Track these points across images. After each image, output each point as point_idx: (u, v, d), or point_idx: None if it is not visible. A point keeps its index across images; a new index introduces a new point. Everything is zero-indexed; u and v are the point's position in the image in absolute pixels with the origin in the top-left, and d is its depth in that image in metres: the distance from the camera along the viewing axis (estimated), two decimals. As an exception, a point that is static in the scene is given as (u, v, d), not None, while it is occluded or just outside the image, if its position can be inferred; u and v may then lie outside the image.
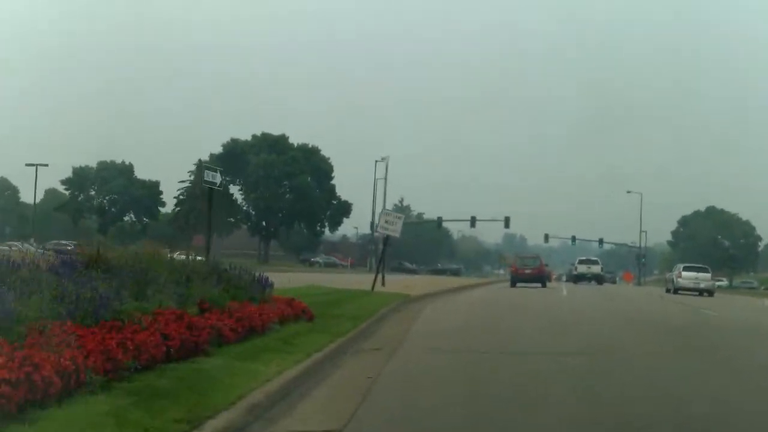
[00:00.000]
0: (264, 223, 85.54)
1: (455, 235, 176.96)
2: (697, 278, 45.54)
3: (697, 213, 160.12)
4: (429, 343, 13.21)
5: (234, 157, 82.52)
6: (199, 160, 76.06)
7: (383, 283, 32.15)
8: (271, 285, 13.56)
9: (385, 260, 34.23)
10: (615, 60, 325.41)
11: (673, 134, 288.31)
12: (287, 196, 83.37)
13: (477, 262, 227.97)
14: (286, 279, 37.64)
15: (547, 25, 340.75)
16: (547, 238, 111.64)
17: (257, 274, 13.47)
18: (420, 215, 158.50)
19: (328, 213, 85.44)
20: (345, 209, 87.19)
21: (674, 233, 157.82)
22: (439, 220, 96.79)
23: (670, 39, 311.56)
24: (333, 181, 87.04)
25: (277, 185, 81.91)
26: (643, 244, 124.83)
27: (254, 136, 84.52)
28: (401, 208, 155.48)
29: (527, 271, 45.24)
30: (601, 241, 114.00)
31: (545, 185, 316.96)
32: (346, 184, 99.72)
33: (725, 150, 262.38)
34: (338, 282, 35.87)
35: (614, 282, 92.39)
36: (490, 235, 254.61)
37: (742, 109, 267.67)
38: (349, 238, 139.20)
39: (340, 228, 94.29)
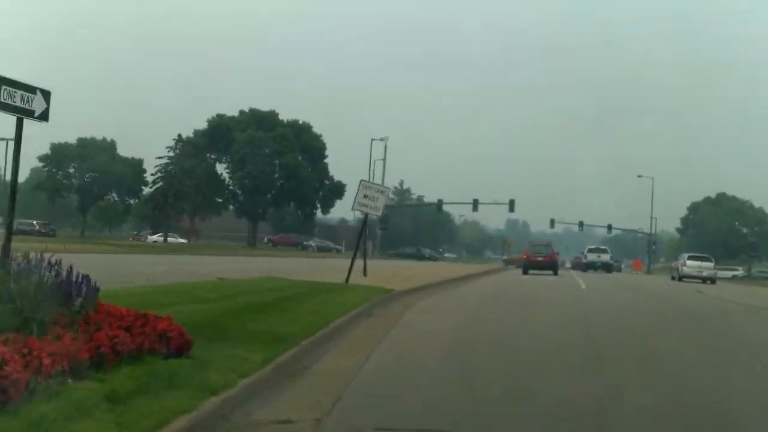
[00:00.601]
0: (251, 204, 79.40)
1: (457, 221, 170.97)
2: (700, 267, 48.24)
3: (707, 200, 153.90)
4: (384, 410, 6.85)
5: (220, 134, 76.47)
6: (179, 135, 70.04)
7: (365, 273, 26.17)
8: (95, 290, 7.29)
9: (365, 244, 28.21)
10: (623, 49, 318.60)
11: (682, 122, 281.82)
12: (276, 175, 77.18)
13: (479, 247, 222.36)
14: (256, 266, 32.00)
15: (553, 15, 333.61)
16: (552, 223, 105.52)
17: (77, 275, 7.18)
18: (420, 198, 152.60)
19: (321, 194, 79.11)
20: (338, 190, 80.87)
21: (684, 220, 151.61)
22: (440, 203, 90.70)
23: (681, 26, 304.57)
24: (326, 161, 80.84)
25: (265, 164, 75.78)
26: (652, 231, 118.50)
27: (242, 112, 78.25)
28: (401, 191, 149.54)
29: (539, 259, 44.96)
30: (609, 227, 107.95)
31: (550, 171, 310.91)
32: (340, 164, 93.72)
33: (734, 137, 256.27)
34: (317, 270, 29.84)
35: (619, 270, 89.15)
36: (493, 220, 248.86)
37: (752, 97, 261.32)
38: (347, 222, 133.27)
39: (333, 210, 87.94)
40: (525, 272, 43.50)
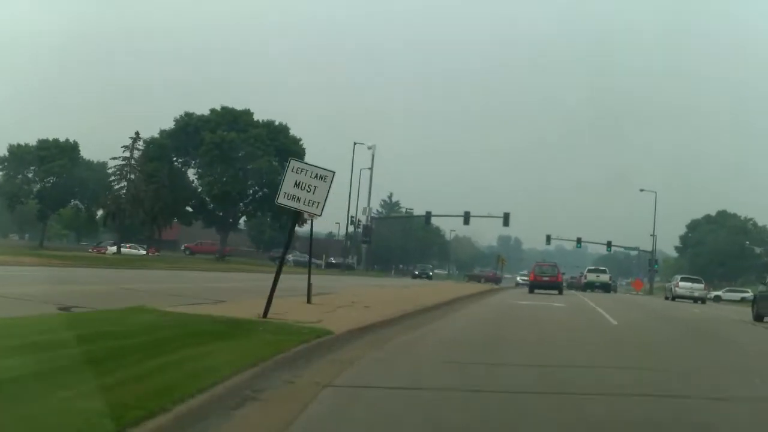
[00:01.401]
0: (221, 213, 71.58)
1: (448, 236, 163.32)
2: (692, 288, 51.66)
3: (707, 218, 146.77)
4: None
5: (187, 135, 68.81)
6: (136, 134, 62.34)
7: (309, 299, 18.60)
8: None
9: (310, 259, 20.78)
10: (619, 62, 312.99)
11: (681, 140, 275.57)
12: (249, 181, 69.44)
13: (470, 264, 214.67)
14: (186, 284, 24.63)
15: (547, 26, 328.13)
16: (549, 239, 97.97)
17: None
18: (409, 211, 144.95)
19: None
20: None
21: (683, 238, 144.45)
22: (428, 215, 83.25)
23: (679, 40, 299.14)
24: (305, 167, 73.02)
25: (236, 168, 68.13)
26: (650, 248, 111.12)
27: (212, 111, 70.47)
28: (390, 204, 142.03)
29: (545, 279, 46.32)
30: (609, 245, 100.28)
31: (545, 187, 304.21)
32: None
33: (734, 155, 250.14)
34: (256, 291, 22.12)
35: (616, 290, 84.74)
36: (485, 236, 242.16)
37: (753, 112, 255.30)
38: (334, 235, 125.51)
39: (318, 222, 79.88)
40: (531, 291, 44.70)
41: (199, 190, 68.54)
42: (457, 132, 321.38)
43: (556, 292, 44.25)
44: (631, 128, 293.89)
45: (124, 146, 63.80)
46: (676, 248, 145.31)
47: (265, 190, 71.02)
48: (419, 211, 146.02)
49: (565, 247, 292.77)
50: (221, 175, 67.21)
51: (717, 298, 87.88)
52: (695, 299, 50.26)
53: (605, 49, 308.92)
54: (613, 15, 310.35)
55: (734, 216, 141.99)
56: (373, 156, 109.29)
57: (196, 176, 69.79)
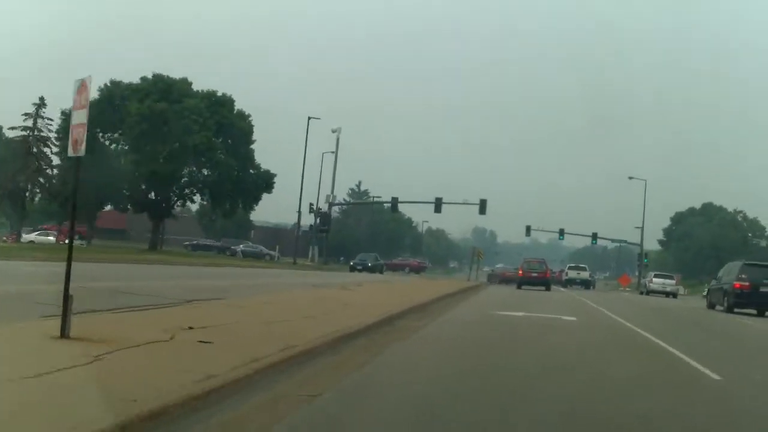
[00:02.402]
0: (150, 197, 60.82)
1: (420, 228, 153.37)
2: (664, 283, 54.74)
3: (692, 210, 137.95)
4: None
5: (113, 106, 58.06)
6: (41, 99, 51.56)
7: (64, 328, 8.38)
8: None
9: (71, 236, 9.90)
10: (606, 53, 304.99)
11: (663, 130, 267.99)
12: (183, 160, 58.75)
13: (444, 257, 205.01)
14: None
15: (531, 23, 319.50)
16: (528, 230, 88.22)
17: None
18: (377, 198, 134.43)
19: (242, 186, 60.64)
20: (266, 182, 62.48)
21: (667, 231, 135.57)
22: (395, 201, 73.02)
23: (666, 33, 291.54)
24: (252, 146, 62.53)
25: (167, 144, 57.52)
26: (637, 241, 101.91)
27: (143, 79, 59.80)
28: (358, 193, 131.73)
29: (533, 275, 46.02)
30: (594, 236, 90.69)
31: (522, 179, 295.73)
32: (271, 152, 75.78)
33: (719, 145, 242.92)
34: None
35: (594, 285, 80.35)
36: (459, 229, 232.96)
37: (726, 103, 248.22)
38: (286, 225, 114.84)
39: (258, 206, 69.32)
40: (519, 287, 44.25)
41: (128, 170, 57.51)
42: (433, 122, 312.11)
43: (543, 288, 44.13)
44: (615, 120, 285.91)
45: (25, 114, 53.00)
46: (660, 242, 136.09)
47: (205, 171, 60.50)
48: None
49: (540, 240, 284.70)
50: (150, 152, 56.49)
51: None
52: (667, 294, 53.07)
53: (593, 41, 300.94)
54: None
55: (720, 209, 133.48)
56: (338, 140, 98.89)
57: (122, 154, 58.91)
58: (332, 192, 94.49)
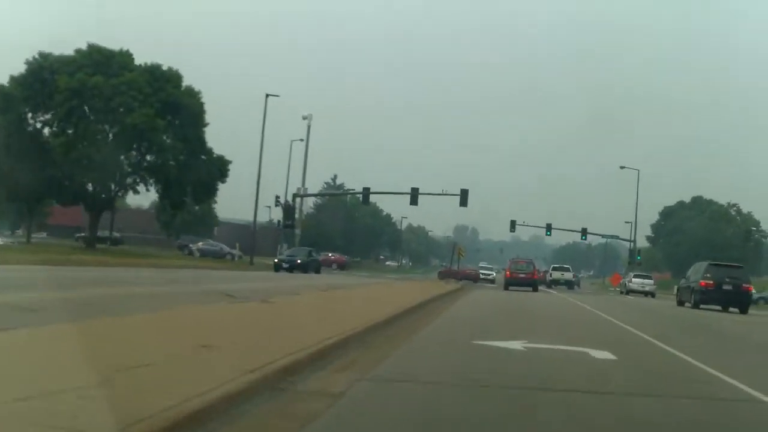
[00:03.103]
0: (85, 186, 52.73)
1: (399, 225, 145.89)
2: (643, 283, 56.30)
3: (681, 204, 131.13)
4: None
5: (42, 82, 50.05)
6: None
7: None
8: None
9: None
10: (598, 44, 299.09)
11: (649, 122, 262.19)
12: (122, 142, 50.82)
13: (424, 254, 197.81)
14: None
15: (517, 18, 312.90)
16: (513, 225, 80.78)
17: None
18: (348, 190, 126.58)
19: (192, 173, 52.68)
20: (219, 170, 54.57)
21: (655, 227, 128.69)
22: (366, 192, 65.42)
23: (659, 27, 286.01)
24: (204, 129, 54.60)
25: (102, 124, 49.64)
26: (628, 236, 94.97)
27: (77, 51, 51.94)
28: (334, 187, 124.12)
29: (521, 275, 44.63)
30: (584, 232, 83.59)
31: (507, 175, 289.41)
32: (225, 136, 67.95)
33: (707, 138, 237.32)
34: None
35: (578, 285, 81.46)
36: (440, 226, 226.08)
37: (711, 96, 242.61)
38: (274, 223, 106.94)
39: (211, 197, 61.43)
40: (506, 288, 43.26)
41: (54, 153, 49.40)
42: (413, 116, 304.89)
43: (530, 289, 43.00)
44: (602, 115, 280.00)
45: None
46: (648, 238, 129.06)
47: (149, 157, 52.53)
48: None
49: (522, 237, 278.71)
50: (82, 133, 48.57)
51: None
52: (646, 293, 53.61)
53: (585, 35, 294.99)
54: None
55: (711, 202, 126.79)
56: (308, 127, 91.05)
57: (51, 135, 50.84)
58: (303, 184, 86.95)
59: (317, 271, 49.48)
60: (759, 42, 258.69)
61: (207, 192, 55.15)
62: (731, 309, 32.59)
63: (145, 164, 52.36)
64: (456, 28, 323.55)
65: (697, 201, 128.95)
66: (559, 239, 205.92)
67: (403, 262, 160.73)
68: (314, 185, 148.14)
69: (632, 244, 79.65)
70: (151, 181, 52.88)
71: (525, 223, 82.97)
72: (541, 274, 72.47)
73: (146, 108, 49.01)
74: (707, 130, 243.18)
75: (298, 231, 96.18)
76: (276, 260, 49.15)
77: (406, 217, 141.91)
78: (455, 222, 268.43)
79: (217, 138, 54.65)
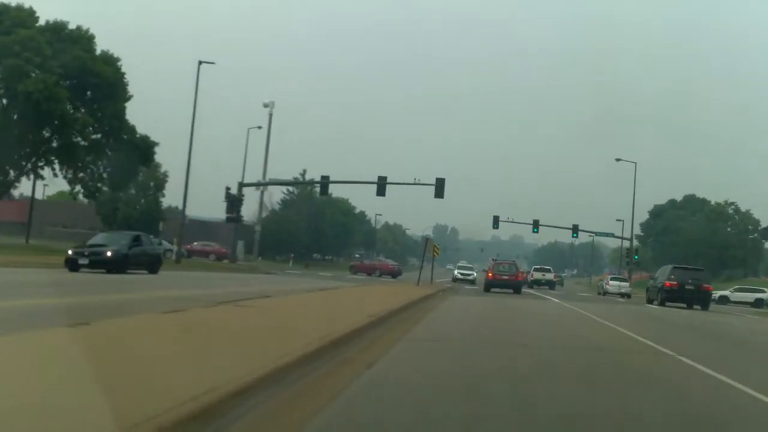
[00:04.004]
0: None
1: (374, 222, 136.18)
2: (619, 285, 57.64)
3: (672, 203, 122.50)
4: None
5: None
6: None
7: None
8: None
9: None
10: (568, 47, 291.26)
11: (639, 118, 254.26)
12: (14, 115, 40.84)
13: (401, 254, 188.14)
14: None
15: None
16: (496, 222, 71.48)
17: None
18: (327, 194, 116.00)
19: (107, 156, 42.60)
20: (142, 152, 44.61)
21: (645, 226, 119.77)
22: (325, 181, 55.65)
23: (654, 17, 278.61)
24: (126, 104, 44.64)
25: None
26: (616, 234, 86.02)
27: (-35, 5, 41.92)
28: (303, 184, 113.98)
29: (504, 278, 41.57)
30: (576, 229, 74.33)
31: (487, 172, 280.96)
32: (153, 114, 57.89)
33: (701, 134, 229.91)
34: None
35: (562, 284, 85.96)
36: (418, 226, 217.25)
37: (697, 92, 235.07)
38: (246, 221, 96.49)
39: (132, 182, 51.36)
40: (487, 290, 40.16)
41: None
42: (389, 111, 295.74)
43: (512, 291, 40.24)
44: (592, 112, 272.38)
45: None
46: (637, 237, 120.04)
47: (48, 131, 42.36)
48: (339, 192, 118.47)
49: (502, 237, 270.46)
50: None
51: (723, 300, 63.36)
52: (622, 295, 54.52)
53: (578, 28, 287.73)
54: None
55: (704, 201, 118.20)
56: (270, 115, 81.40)
57: (-73, 106, 40.61)
58: (264, 176, 77.25)
59: (152, 270, 30.86)
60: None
61: (126, 177, 45.10)
62: (695, 306, 35.27)
63: (50, 144, 42.24)
64: (446, 20, 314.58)
65: (690, 200, 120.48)
66: (540, 238, 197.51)
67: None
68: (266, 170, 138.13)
69: (630, 242, 70.67)
70: (56, 163, 42.72)
71: (511, 219, 73.67)
72: (524, 274, 75.51)
73: (46, 72, 38.95)
74: (700, 127, 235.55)
75: (258, 227, 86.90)
76: (70, 253, 27.95)
77: (380, 214, 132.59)
78: (435, 221, 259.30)
79: (163, 120, 44.91)
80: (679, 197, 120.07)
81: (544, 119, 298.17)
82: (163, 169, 74.76)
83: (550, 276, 68.68)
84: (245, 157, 74.76)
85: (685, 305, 35.31)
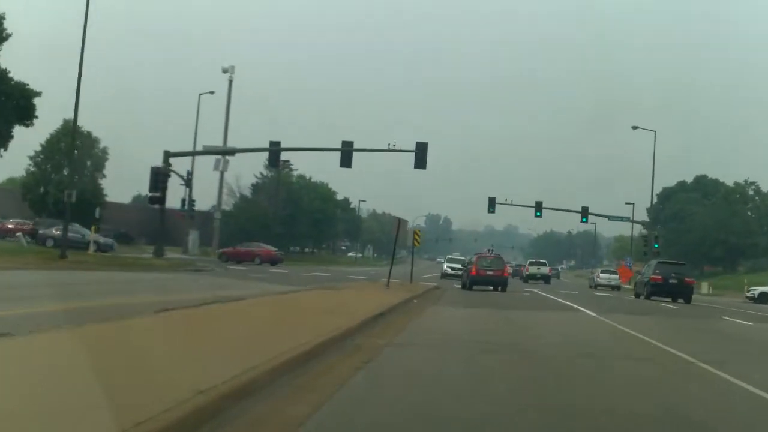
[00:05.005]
0: None
1: (360, 210, 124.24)
2: (609, 278, 58.53)
3: (682, 185, 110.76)
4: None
5: None
6: None
7: None
8: None
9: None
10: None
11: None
12: None
13: (390, 244, 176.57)
14: None
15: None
16: (492, 203, 59.93)
17: None
18: (304, 177, 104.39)
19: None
20: (18, 104, 32.74)
21: (652, 211, 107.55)
22: (275, 147, 43.56)
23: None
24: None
25: None
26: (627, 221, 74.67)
27: None
28: (280, 165, 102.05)
29: (489, 273, 36.30)
30: (585, 212, 62.79)
31: (482, 154, 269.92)
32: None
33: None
34: None
35: (558, 277, 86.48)
36: (410, 215, 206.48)
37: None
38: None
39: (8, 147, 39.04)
40: (470, 287, 35.47)
41: None
42: (376, 92, 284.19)
43: (498, 288, 35.37)
44: (594, 96, 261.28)
45: None
46: (644, 224, 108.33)
47: None
48: (318, 176, 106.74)
49: (496, 227, 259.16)
50: None
51: (765, 297, 51.79)
52: (612, 287, 55.94)
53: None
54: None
55: (717, 182, 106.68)
56: (230, 81, 69.81)
57: None
58: (224, 157, 65.43)
59: None
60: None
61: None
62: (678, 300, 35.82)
63: None
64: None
65: (701, 181, 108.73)
66: (537, 227, 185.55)
67: (365, 253, 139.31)
68: (255, 163, 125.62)
69: (648, 227, 59.08)
70: None
71: (510, 201, 61.86)
72: (522, 268, 74.72)
73: None
74: (706, 108, 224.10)
75: (217, 215, 74.96)
76: None
77: (364, 201, 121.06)
78: (427, 211, 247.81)
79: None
80: (690, 177, 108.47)
81: (544, 108, 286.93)
82: (102, 145, 62.94)
83: (545, 270, 66.14)
84: (196, 127, 63.37)
85: (670, 299, 36.04)
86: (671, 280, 36.31)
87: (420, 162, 38.32)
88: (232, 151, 46.23)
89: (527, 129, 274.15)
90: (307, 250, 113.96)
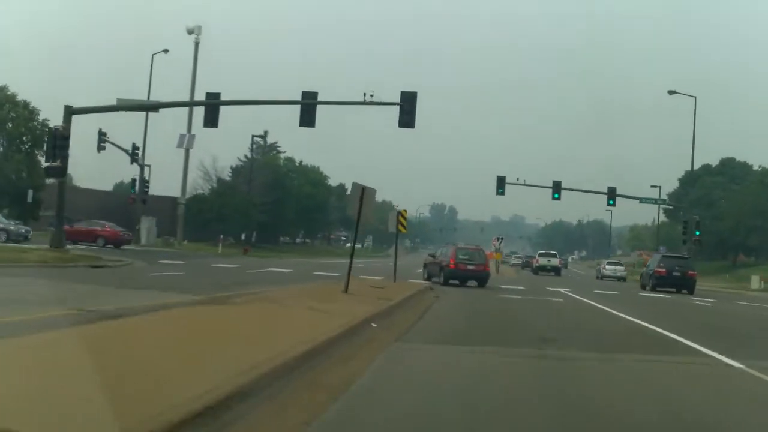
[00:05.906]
0: None
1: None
2: (615, 269, 60.70)
3: (707, 168, 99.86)
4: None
5: None
6: None
7: None
8: None
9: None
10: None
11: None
12: None
13: (391, 235, 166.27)
14: None
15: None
16: (501, 183, 49.58)
17: None
18: (291, 159, 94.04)
19: None
20: None
21: (674, 196, 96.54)
22: (213, 101, 32.96)
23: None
24: None
25: None
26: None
27: None
28: (265, 147, 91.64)
29: (470, 267, 31.93)
30: (613, 193, 52.21)
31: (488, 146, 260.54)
32: None
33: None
34: None
35: (566, 267, 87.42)
36: (412, 204, 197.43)
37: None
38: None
39: None
40: (446, 282, 31.51)
41: None
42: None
43: (476, 284, 31.52)
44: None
45: None
46: (666, 211, 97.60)
47: None
48: (308, 159, 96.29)
49: (502, 218, 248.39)
50: None
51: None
52: (618, 278, 57.41)
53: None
54: None
55: (745, 164, 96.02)
56: (196, 44, 59.51)
57: None
58: (189, 129, 55.34)
59: None
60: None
61: None
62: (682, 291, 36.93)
63: None
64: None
65: (728, 164, 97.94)
66: (544, 216, 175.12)
67: (364, 244, 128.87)
68: (239, 146, 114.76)
69: (687, 213, 48.73)
70: None
71: (522, 181, 51.38)
72: (532, 260, 75.01)
73: None
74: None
75: (181, 200, 64.58)
76: None
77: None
78: (432, 200, 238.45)
79: None
80: (716, 160, 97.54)
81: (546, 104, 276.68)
82: (41, 117, 52.60)
83: (555, 261, 65.79)
84: (149, 92, 53.84)
85: (674, 290, 37.39)
86: (675, 273, 37.88)
87: (407, 118, 27.95)
88: (156, 106, 35.81)
89: (541, 113, 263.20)
90: (298, 240, 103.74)
